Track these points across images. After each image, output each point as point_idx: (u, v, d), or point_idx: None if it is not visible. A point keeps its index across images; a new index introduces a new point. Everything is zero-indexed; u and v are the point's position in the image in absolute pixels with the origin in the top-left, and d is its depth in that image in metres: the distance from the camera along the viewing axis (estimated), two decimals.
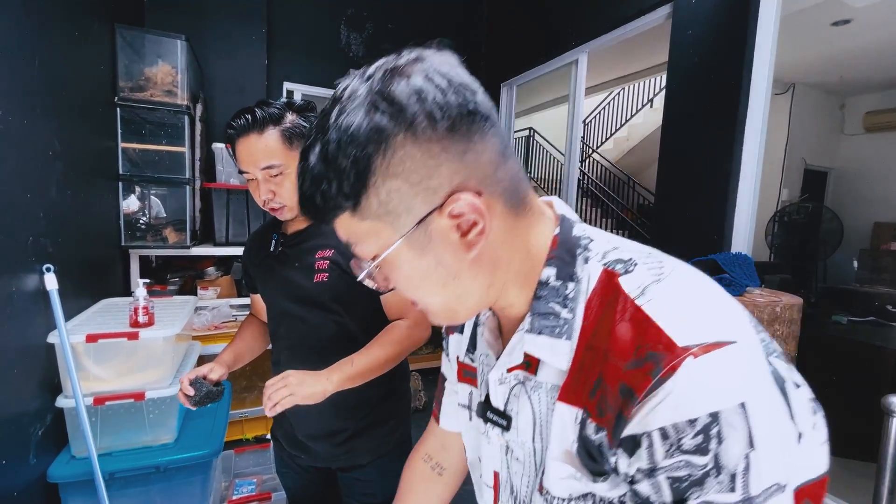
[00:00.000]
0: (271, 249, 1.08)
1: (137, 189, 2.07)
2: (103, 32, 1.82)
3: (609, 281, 0.40)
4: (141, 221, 2.11)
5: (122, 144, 1.97)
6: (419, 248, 0.39)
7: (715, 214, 1.74)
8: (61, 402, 1.27)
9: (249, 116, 0.94)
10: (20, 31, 1.14)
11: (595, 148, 7.78)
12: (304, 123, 0.99)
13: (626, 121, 7.58)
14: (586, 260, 0.42)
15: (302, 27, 2.93)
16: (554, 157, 6.94)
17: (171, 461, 1.32)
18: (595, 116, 8.04)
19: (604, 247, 0.43)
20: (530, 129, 7.37)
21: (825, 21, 3.16)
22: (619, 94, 7.48)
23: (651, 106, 7.20)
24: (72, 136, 1.47)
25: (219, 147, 2.32)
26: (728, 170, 1.69)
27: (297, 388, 0.86)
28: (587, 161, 7.62)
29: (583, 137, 7.61)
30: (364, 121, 0.36)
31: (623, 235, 5.99)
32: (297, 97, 2.99)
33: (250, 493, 1.74)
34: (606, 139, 7.87)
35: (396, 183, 0.37)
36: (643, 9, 2.11)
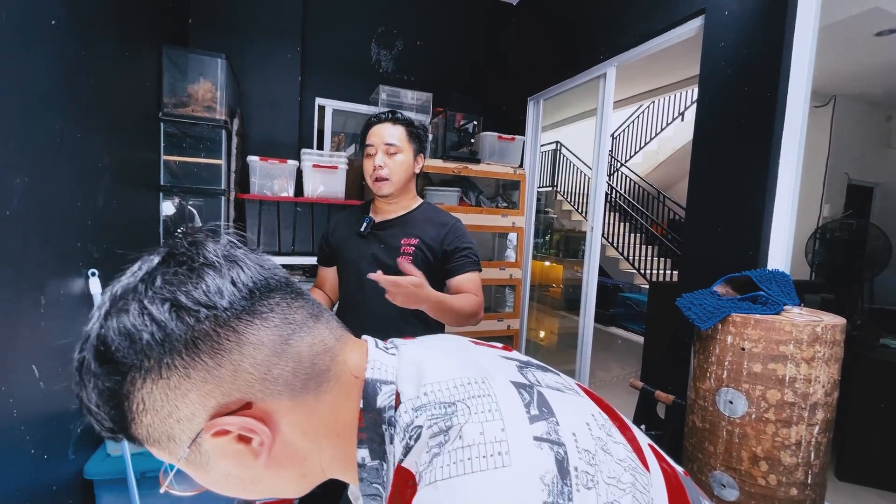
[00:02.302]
0: (361, 230, 1.34)
1: (176, 199, 2.17)
2: (151, 52, 1.94)
3: (397, 482, 0.39)
4: (179, 230, 2.20)
5: (164, 157, 2.08)
6: (201, 465, 0.39)
7: (749, 230, 1.68)
8: None
9: (391, 113, 1.32)
10: (77, 53, 1.23)
11: (623, 162, 7.67)
12: (421, 133, 1.36)
13: (656, 134, 7.46)
14: (391, 439, 0.40)
15: (334, 45, 3.04)
16: (581, 171, 6.88)
17: None
18: (624, 130, 7.95)
19: (408, 416, 0.39)
20: (557, 142, 7.35)
21: (868, 31, 3.05)
22: (648, 107, 7.38)
23: (682, 119, 7.07)
24: (119, 148, 1.56)
25: (253, 160, 2.41)
26: (763, 185, 1.64)
27: (420, 288, 1.09)
28: (615, 175, 7.52)
29: (611, 151, 7.53)
30: (97, 371, 0.36)
31: (653, 250, 5.82)
32: (329, 112, 3.09)
33: (273, 498, 1.76)
34: (635, 153, 7.76)
35: (147, 419, 0.37)
36: (673, 22, 2.09)
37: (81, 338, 0.37)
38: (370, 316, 1.30)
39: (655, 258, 6.14)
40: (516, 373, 0.44)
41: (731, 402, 1.32)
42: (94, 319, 0.37)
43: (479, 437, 0.35)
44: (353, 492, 0.50)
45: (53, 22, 1.09)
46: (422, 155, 1.38)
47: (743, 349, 1.30)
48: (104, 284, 1.32)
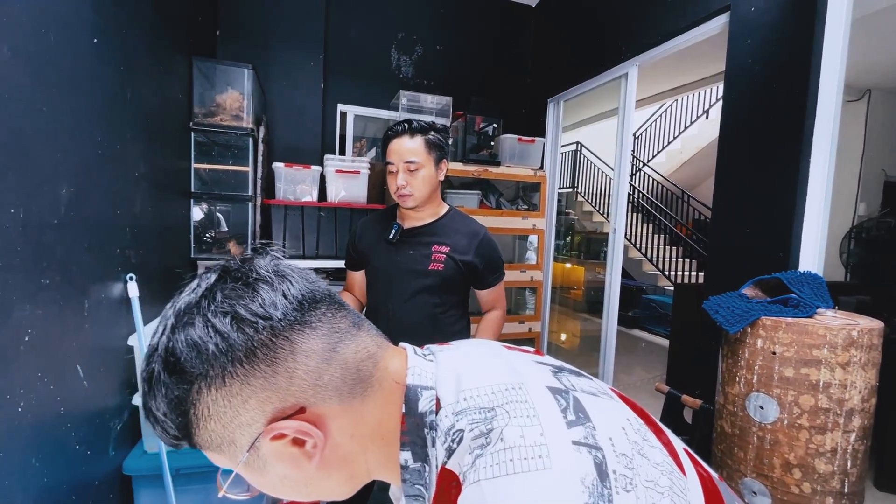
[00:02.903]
0: (390, 237, 1.36)
1: (205, 205, 2.25)
2: (182, 65, 2.01)
3: (441, 483, 0.40)
4: (207, 235, 2.27)
5: (194, 165, 2.16)
6: (259, 469, 0.42)
7: (779, 231, 1.64)
8: (137, 400, 1.38)
9: (407, 125, 1.30)
10: (116, 69, 1.29)
11: (646, 161, 7.54)
12: (441, 139, 1.33)
13: (680, 133, 7.31)
14: (433, 442, 0.42)
15: (356, 52, 3.09)
16: (602, 172, 6.79)
17: None
18: (646, 129, 7.81)
19: (448, 420, 0.41)
20: (577, 143, 7.28)
21: None
22: (671, 105, 7.24)
23: (707, 117, 6.90)
24: (154, 158, 1.63)
25: (278, 166, 2.48)
26: (793, 183, 1.59)
27: None
28: (637, 175, 7.39)
29: (633, 151, 7.41)
30: (166, 381, 0.39)
31: (677, 252, 5.68)
32: (351, 118, 3.14)
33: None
34: (658, 152, 7.61)
35: (211, 425, 0.40)
36: (698, 19, 2.05)
37: (148, 351, 0.40)
38: (396, 322, 1.32)
39: (680, 259, 6.01)
40: (551, 377, 0.45)
41: (761, 408, 1.29)
42: (159, 333, 0.40)
43: (519, 439, 0.36)
44: (395, 492, 0.51)
45: (95, 40, 1.15)
46: (445, 160, 1.37)
47: (774, 353, 1.27)
48: (140, 288, 1.38)
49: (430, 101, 2.95)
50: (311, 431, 0.40)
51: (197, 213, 2.22)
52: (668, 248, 6.20)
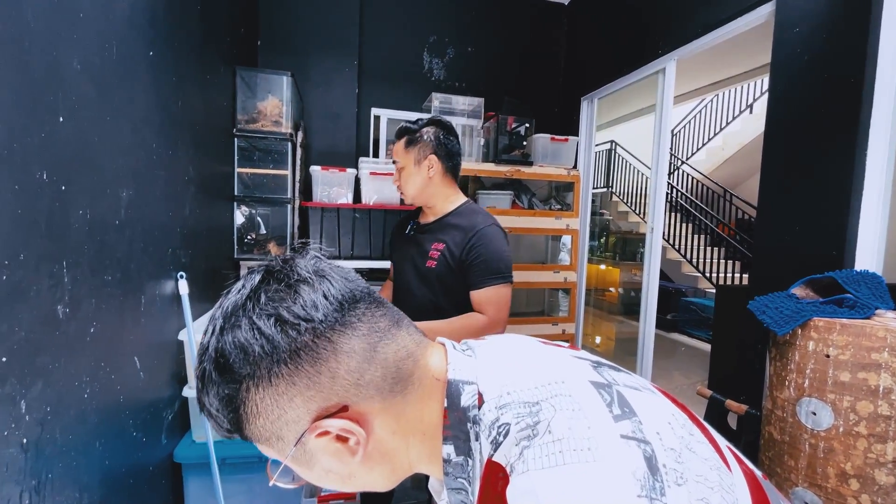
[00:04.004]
0: (407, 232, 1.45)
1: (247, 208, 2.34)
2: (227, 74, 2.11)
3: (487, 474, 0.40)
4: (249, 236, 2.37)
5: (237, 169, 2.26)
6: (305, 462, 0.44)
7: (832, 229, 1.55)
8: (187, 392, 1.46)
9: (400, 130, 1.39)
10: (169, 80, 1.37)
11: (685, 159, 7.28)
12: (417, 136, 1.35)
13: (721, 129, 7.02)
14: (477, 436, 0.42)
15: (388, 57, 3.15)
16: (638, 171, 6.60)
17: None
18: (684, 125, 7.55)
19: (492, 414, 0.41)
20: (612, 141, 7.11)
21: None
22: (712, 100, 6.97)
23: (751, 112, 6.60)
24: (201, 163, 1.72)
25: (315, 169, 2.55)
26: (848, 177, 1.50)
27: None
28: (675, 173, 7.15)
29: (671, 149, 7.17)
30: (218, 381, 0.41)
31: (719, 252, 5.45)
32: (384, 121, 3.20)
33: (336, 490, 1.85)
34: (698, 149, 7.34)
35: (260, 421, 0.41)
36: (741, 9, 1.97)
37: (200, 350, 0.43)
38: (408, 311, 1.37)
39: (722, 260, 5.76)
40: (592, 372, 0.44)
41: (814, 414, 1.22)
42: (209, 334, 0.43)
43: (567, 431, 0.36)
44: (434, 486, 0.52)
45: (151, 53, 1.23)
46: (432, 157, 1.32)
47: (827, 356, 1.21)
48: (189, 286, 1.45)
49: (461, 102, 2.97)
50: (354, 429, 0.41)
51: (239, 215, 2.33)
52: (709, 248, 5.96)
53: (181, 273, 1.45)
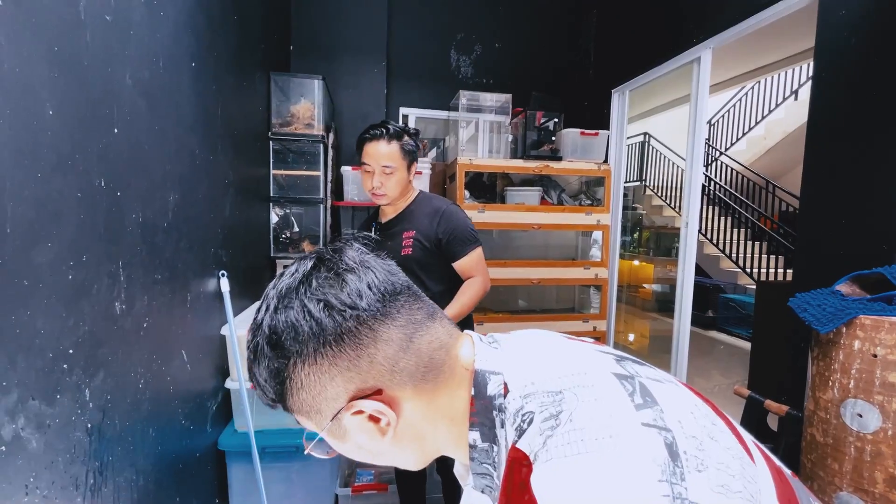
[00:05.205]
0: (372, 235, 1.51)
1: (281, 209, 2.43)
2: (262, 80, 2.20)
3: (511, 462, 0.41)
4: (284, 235, 2.46)
5: (272, 171, 2.35)
6: (340, 436, 0.47)
7: (881, 221, 1.46)
8: (229, 384, 1.54)
9: (384, 129, 1.43)
10: (209, 88, 1.45)
11: (723, 150, 6.99)
12: (413, 144, 1.47)
13: (763, 117, 6.69)
14: (502, 423, 0.44)
15: (416, 56, 3.18)
16: (673, 163, 6.39)
17: None
18: (722, 115, 7.24)
19: (516, 402, 0.43)
20: (645, 133, 6.91)
21: None
22: (752, 88, 6.65)
23: (795, 98, 6.26)
24: (240, 166, 1.80)
25: (346, 169, 2.62)
26: None
27: None
28: (713, 165, 6.88)
29: (707, 140, 6.90)
30: (269, 355, 0.45)
31: (761, 247, 5.20)
32: (412, 120, 3.24)
33: (369, 481, 1.91)
34: (738, 139, 7.02)
35: (302, 395, 0.45)
36: None
37: (254, 326, 0.47)
38: None
39: (764, 255, 5.51)
40: (615, 365, 0.46)
41: (860, 416, 1.17)
42: (263, 311, 0.46)
43: (589, 421, 0.37)
44: (459, 470, 0.54)
45: (193, 64, 1.30)
46: (415, 163, 1.50)
47: (875, 356, 1.15)
48: (231, 284, 1.53)
49: (489, 99, 2.97)
50: (385, 412, 0.44)
51: (274, 215, 2.42)
52: (749, 243, 5.71)
53: (223, 272, 1.53)
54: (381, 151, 1.42)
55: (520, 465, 0.40)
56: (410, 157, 1.47)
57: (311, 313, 0.43)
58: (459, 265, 1.48)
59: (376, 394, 0.45)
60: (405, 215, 1.52)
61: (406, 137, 1.46)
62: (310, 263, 0.47)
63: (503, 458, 0.43)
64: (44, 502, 0.69)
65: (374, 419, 0.45)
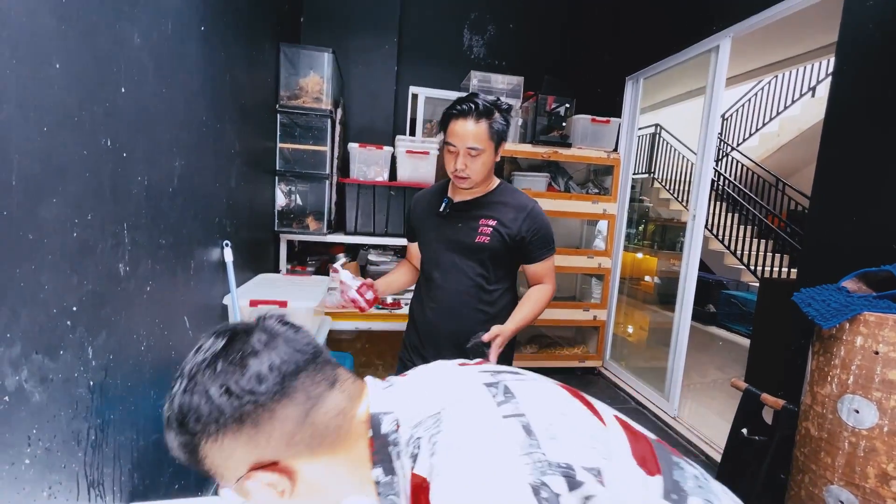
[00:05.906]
0: (441, 210, 1.39)
1: (286, 184, 2.42)
2: (271, 51, 2.17)
3: (414, 488, 0.47)
4: (289, 210, 2.46)
5: (279, 145, 2.33)
6: (246, 494, 0.52)
7: (892, 219, 1.45)
8: None
9: (474, 105, 1.25)
10: (218, 54, 1.42)
11: (735, 145, 6.89)
12: (503, 123, 1.29)
13: (778, 113, 6.57)
14: (398, 455, 0.50)
15: (428, 34, 3.13)
16: (684, 157, 6.31)
17: None
18: (737, 109, 7.12)
19: (407, 433, 0.50)
20: (657, 125, 6.81)
21: None
22: (769, 83, 6.52)
23: (813, 95, 6.14)
24: (246, 137, 1.79)
25: (353, 146, 2.60)
26: None
27: (502, 335, 1.26)
28: (724, 160, 6.79)
29: (720, 134, 6.80)
30: (177, 430, 0.49)
31: (766, 245, 5.16)
32: (422, 100, 3.20)
33: None
34: (751, 135, 6.92)
35: (207, 462, 0.50)
36: None
37: (169, 398, 0.51)
38: (444, 292, 1.38)
39: (769, 253, 5.47)
40: (489, 377, 0.55)
41: (856, 411, 1.17)
42: (176, 387, 0.50)
43: (462, 431, 0.47)
44: None
45: (202, 28, 1.28)
46: (503, 142, 1.33)
47: (876, 353, 1.15)
48: (234, 255, 1.53)
49: (500, 81, 2.92)
50: (279, 482, 0.50)
51: (279, 190, 2.41)
52: (756, 240, 5.66)
53: (226, 241, 1.53)
54: (469, 131, 1.24)
55: (420, 488, 0.46)
56: (499, 136, 1.29)
57: (212, 399, 0.48)
58: (534, 268, 1.40)
59: (273, 465, 0.50)
60: (485, 202, 1.37)
61: (497, 114, 1.27)
62: (220, 343, 0.51)
63: (406, 486, 0.49)
64: (45, 454, 0.70)
65: (271, 485, 0.50)
